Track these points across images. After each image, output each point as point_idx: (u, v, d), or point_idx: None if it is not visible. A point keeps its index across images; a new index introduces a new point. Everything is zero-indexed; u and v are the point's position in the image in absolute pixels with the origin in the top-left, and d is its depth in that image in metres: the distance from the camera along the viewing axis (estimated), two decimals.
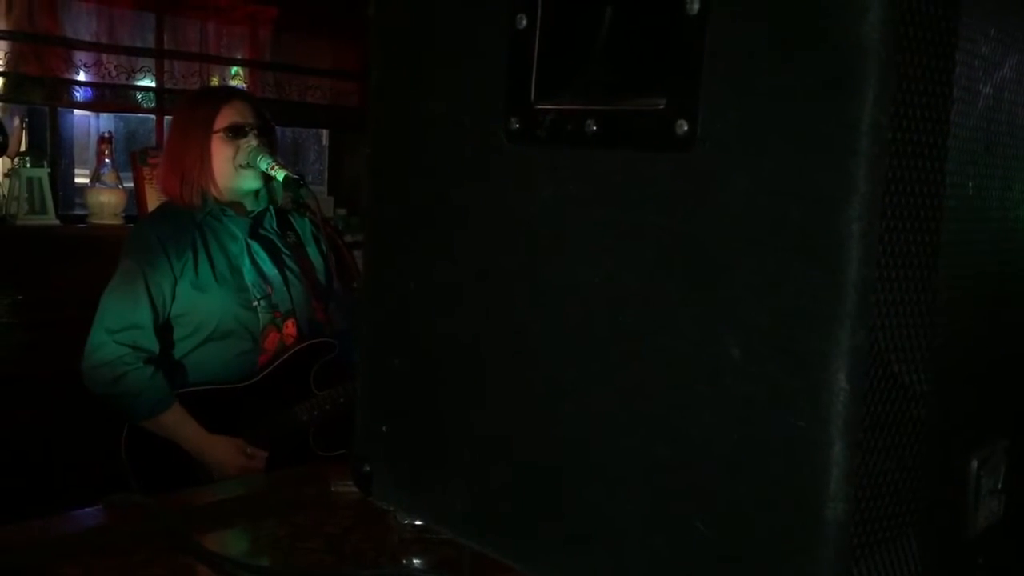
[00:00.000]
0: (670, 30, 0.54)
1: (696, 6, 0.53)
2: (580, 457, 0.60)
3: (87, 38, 3.31)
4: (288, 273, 2.25)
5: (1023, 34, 0.58)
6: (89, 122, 3.75)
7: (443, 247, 0.69)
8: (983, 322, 0.60)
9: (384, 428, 0.74)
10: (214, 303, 2.12)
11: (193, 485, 1.93)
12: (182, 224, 2.15)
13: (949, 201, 0.53)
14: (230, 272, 2.16)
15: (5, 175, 3.19)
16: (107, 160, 3.33)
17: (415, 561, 1.28)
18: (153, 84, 3.49)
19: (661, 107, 0.55)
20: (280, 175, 2.13)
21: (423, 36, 0.71)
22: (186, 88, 3.50)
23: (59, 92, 3.26)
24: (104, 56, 3.35)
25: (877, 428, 0.49)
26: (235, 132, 2.15)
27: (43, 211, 3.16)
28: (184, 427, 2.06)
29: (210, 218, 2.18)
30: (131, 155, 3.52)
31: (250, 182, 2.17)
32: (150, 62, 3.48)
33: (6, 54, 3.11)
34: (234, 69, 3.74)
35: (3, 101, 3.21)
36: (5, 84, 3.12)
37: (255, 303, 2.17)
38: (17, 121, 3.25)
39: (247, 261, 2.19)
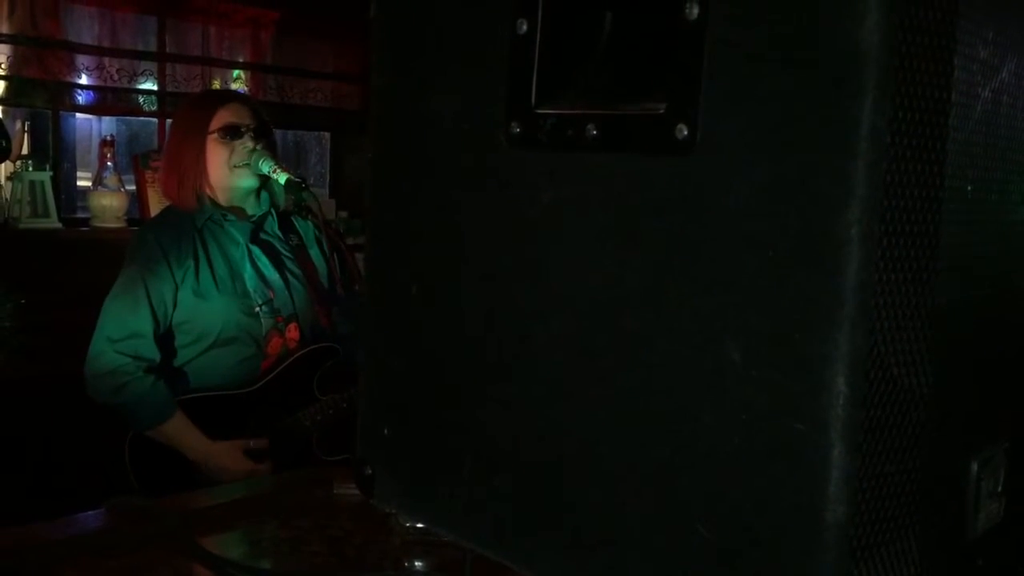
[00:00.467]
0: (669, 35, 0.54)
1: (695, 11, 0.53)
2: (581, 460, 0.60)
3: (89, 41, 3.32)
4: (290, 277, 2.25)
5: (1021, 38, 0.58)
6: (91, 125, 3.76)
7: (445, 251, 0.70)
8: (983, 325, 0.60)
9: (386, 431, 0.75)
10: (216, 310, 2.12)
11: (195, 487, 1.93)
12: (184, 230, 2.15)
13: (948, 204, 0.53)
14: (231, 278, 2.16)
15: (8, 179, 3.19)
16: (109, 163, 3.33)
17: (417, 564, 1.28)
18: (155, 87, 3.49)
19: (661, 111, 0.55)
20: (282, 178, 2.13)
21: (424, 40, 0.72)
22: (188, 91, 3.51)
23: (61, 95, 3.27)
24: (106, 59, 3.35)
25: (877, 431, 0.50)
26: (230, 133, 2.16)
27: (45, 214, 3.17)
28: (186, 436, 2.06)
29: (211, 223, 2.18)
30: (133, 158, 3.53)
31: (246, 181, 2.17)
32: (152, 65, 3.49)
33: (8, 58, 3.12)
34: (236, 72, 3.75)
35: (5, 105, 3.21)
36: (7, 88, 3.13)
37: (257, 308, 2.17)
38: (19, 125, 3.26)
39: (248, 266, 2.19)
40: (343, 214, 3.97)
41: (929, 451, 0.54)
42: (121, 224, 3.32)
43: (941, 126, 0.51)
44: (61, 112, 3.40)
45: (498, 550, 0.66)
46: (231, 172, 2.16)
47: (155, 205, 3.27)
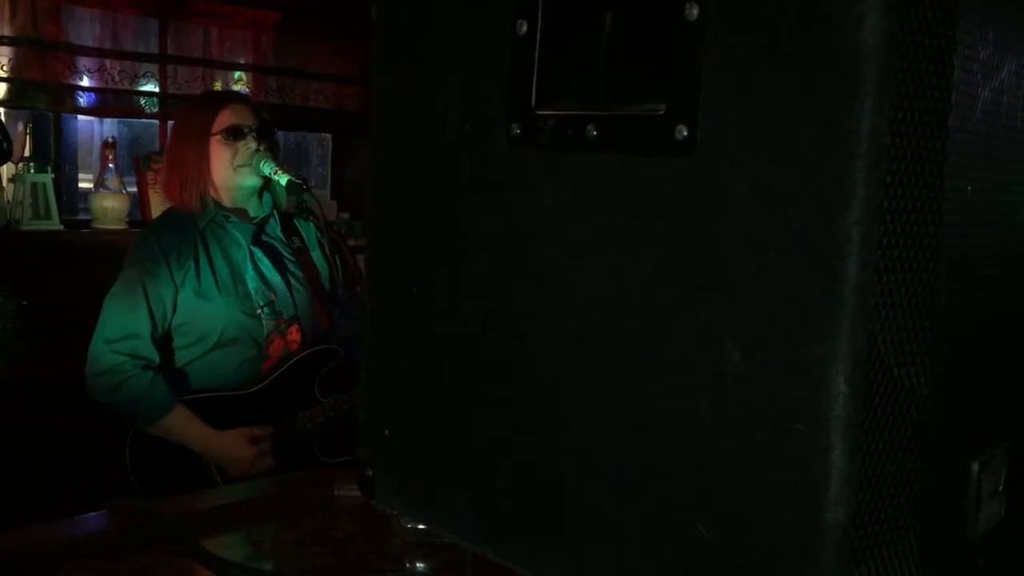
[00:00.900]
0: (669, 36, 0.54)
1: (695, 12, 0.53)
2: (582, 461, 0.60)
3: (91, 43, 3.32)
4: (291, 279, 2.25)
5: (1022, 38, 0.58)
6: (93, 127, 3.76)
7: (445, 252, 0.70)
8: (983, 325, 0.60)
9: (387, 432, 0.75)
10: (217, 311, 2.13)
11: (197, 489, 1.93)
12: (185, 231, 2.16)
13: (948, 204, 0.53)
14: (233, 279, 2.16)
15: (9, 180, 3.19)
16: (111, 165, 3.33)
17: (419, 565, 1.28)
18: (157, 89, 3.50)
19: (661, 112, 0.55)
20: (283, 179, 2.13)
21: (424, 42, 0.72)
22: (190, 93, 3.51)
23: (63, 97, 3.27)
24: (108, 61, 3.36)
25: (877, 431, 0.50)
26: (233, 134, 2.16)
27: (47, 216, 3.17)
28: (189, 428, 2.07)
29: (214, 225, 2.18)
30: (135, 160, 3.53)
31: (249, 180, 2.18)
32: (153, 67, 3.49)
33: (10, 60, 3.12)
34: (237, 74, 3.75)
35: (7, 107, 3.21)
36: (9, 90, 3.13)
37: (259, 310, 2.17)
38: (21, 127, 3.26)
39: (250, 268, 2.19)
40: (344, 215, 3.97)
41: (929, 451, 0.54)
42: (123, 226, 3.32)
43: (941, 127, 0.51)
44: (63, 114, 3.40)
45: (499, 551, 0.66)
46: (234, 172, 2.16)
47: (157, 207, 3.27)
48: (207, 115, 2.18)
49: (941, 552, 0.57)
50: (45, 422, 2.72)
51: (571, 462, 0.61)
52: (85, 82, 3.33)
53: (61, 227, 3.22)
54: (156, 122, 3.63)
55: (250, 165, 2.15)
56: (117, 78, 3.39)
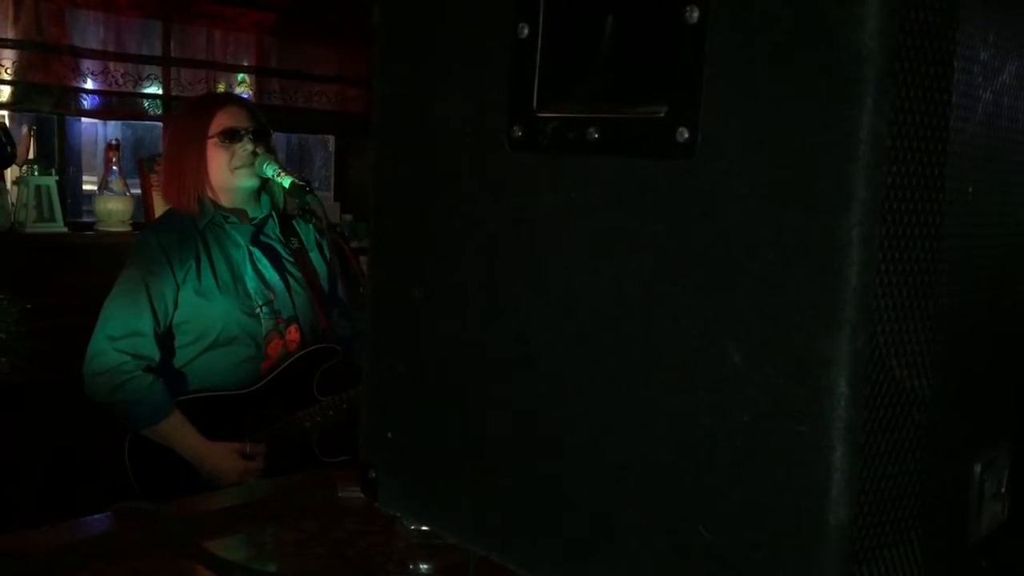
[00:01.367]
0: (670, 39, 0.55)
1: (695, 15, 0.53)
2: (583, 463, 0.60)
3: (94, 46, 3.33)
4: (290, 279, 2.26)
5: (1023, 40, 0.58)
6: (97, 129, 3.77)
7: (447, 254, 0.70)
8: (984, 326, 0.60)
9: (389, 434, 0.75)
10: (217, 310, 2.13)
11: (195, 491, 1.94)
12: (185, 231, 2.16)
13: (950, 206, 0.53)
14: (232, 279, 2.17)
15: (13, 183, 3.20)
16: (115, 167, 3.34)
17: (422, 567, 1.28)
18: (160, 91, 3.50)
19: (662, 115, 0.55)
20: (286, 181, 2.13)
21: (426, 45, 0.72)
22: (193, 95, 3.51)
23: (67, 100, 3.28)
24: (111, 64, 3.36)
25: (879, 432, 0.50)
26: (230, 137, 2.17)
27: (51, 219, 3.17)
28: (183, 435, 2.07)
29: (213, 225, 2.19)
30: (138, 162, 3.54)
31: (247, 181, 2.19)
32: (157, 69, 3.49)
33: (14, 63, 3.13)
34: (240, 76, 3.75)
35: (11, 109, 3.22)
36: (13, 93, 3.14)
37: (257, 310, 2.18)
38: (25, 129, 3.27)
39: (249, 268, 2.20)
40: (347, 217, 3.97)
41: (931, 452, 0.54)
42: (127, 228, 3.33)
43: (942, 128, 0.51)
44: (67, 116, 3.41)
45: (501, 552, 0.66)
46: (232, 174, 2.17)
47: (160, 209, 3.26)
48: (203, 118, 2.18)
49: (943, 553, 0.57)
50: (48, 425, 2.73)
51: (572, 463, 0.61)
52: (89, 84, 3.33)
53: (65, 229, 3.22)
54: (160, 124, 3.63)
55: (248, 167, 2.16)
56: (121, 80, 3.40)
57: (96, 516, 1.50)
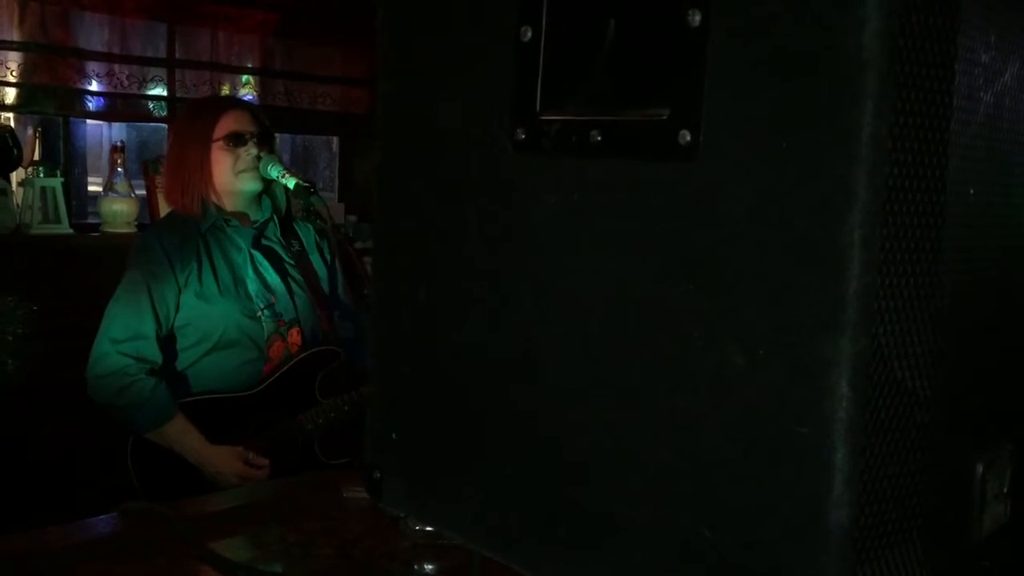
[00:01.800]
0: (672, 42, 0.55)
1: (697, 18, 0.53)
2: (586, 464, 0.61)
3: (99, 48, 3.34)
4: (291, 282, 2.27)
5: None
6: (102, 131, 3.78)
7: (451, 256, 0.70)
8: (986, 326, 0.61)
9: (394, 435, 0.75)
10: (218, 313, 2.14)
11: (198, 493, 1.94)
12: (187, 234, 2.17)
13: (951, 208, 0.53)
14: (234, 282, 2.17)
15: (19, 185, 3.21)
16: (119, 169, 3.35)
17: (427, 567, 1.28)
18: (165, 93, 3.51)
19: (664, 117, 0.56)
20: (291, 183, 2.14)
21: (430, 47, 0.72)
22: (198, 96, 3.52)
23: (72, 102, 3.29)
24: (116, 66, 3.37)
25: (880, 433, 0.50)
26: (235, 140, 2.17)
27: (57, 220, 3.18)
28: (185, 438, 2.07)
29: (214, 228, 2.19)
30: (143, 164, 3.54)
31: (251, 185, 2.19)
32: (162, 71, 3.50)
33: (19, 65, 3.14)
34: (244, 77, 3.76)
35: (16, 111, 3.23)
36: (18, 95, 3.15)
37: (259, 313, 2.18)
38: (30, 131, 3.28)
39: (250, 271, 2.20)
40: (352, 218, 3.98)
41: (933, 453, 0.54)
42: (132, 229, 3.33)
43: (943, 130, 0.52)
44: (72, 118, 3.42)
45: (505, 553, 0.67)
46: (236, 178, 2.18)
47: (165, 210, 3.25)
48: (208, 121, 2.18)
49: (945, 554, 0.57)
50: (54, 426, 2.73)
51: (575, 465, 0.61)
52: (94, 86, 3.34)
53: (70, 231, 3.23)
54: (164, 126, 3.64)
55: (252, 170, 2.16)
56: (126, 82, 3.41)
57: (103, 516, 1.51)
